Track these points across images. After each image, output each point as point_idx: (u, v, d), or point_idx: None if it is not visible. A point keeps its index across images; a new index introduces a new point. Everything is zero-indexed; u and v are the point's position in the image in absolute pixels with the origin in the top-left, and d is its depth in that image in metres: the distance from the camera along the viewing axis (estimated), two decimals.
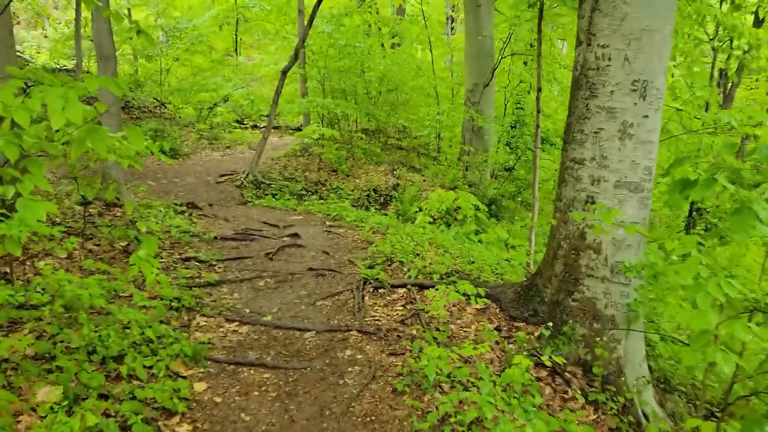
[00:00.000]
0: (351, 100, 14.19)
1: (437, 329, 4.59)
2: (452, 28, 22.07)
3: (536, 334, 4.69)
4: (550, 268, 4.92)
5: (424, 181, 11.81)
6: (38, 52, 18.90)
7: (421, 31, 16.06)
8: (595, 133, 4.53)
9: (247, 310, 4.79)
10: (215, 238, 6.61)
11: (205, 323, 4.50)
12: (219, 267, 5.79)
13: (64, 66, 15.29)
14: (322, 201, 10.07)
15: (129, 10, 18.00)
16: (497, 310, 5.15)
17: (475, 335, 4.60)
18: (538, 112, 7.33)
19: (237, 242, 6.61)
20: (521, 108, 16.31)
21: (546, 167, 12.85)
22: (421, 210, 10.03)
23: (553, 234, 4.95)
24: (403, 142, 13.53)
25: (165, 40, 16.77)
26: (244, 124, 16.22)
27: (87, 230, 5.92)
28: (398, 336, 4.45)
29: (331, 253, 6.34)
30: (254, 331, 4.42)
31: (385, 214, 9.29)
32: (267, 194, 10.11)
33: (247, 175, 10.37)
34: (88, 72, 15.00)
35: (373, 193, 10.95)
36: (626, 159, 4.45)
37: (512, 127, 15.11)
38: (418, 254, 6.30)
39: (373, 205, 10.81)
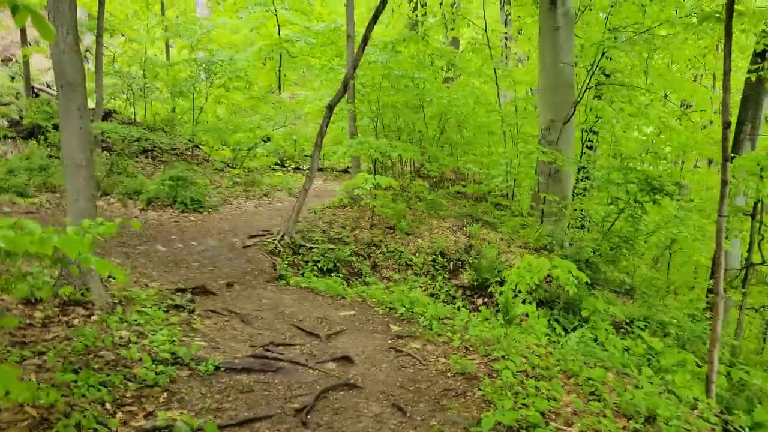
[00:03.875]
0: (406, 140, 11.41)
1: None
2: (506, 59, 19.17)
3: None
4: None
5: (502, 239, 8.85)
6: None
7: (484, 63, 13.24)
8: None
9: None
10: (217, 369, 3.79)
11: None
12: None
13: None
14: (377, 274, 7.23)
15: (167, 42, 15.76)
16: None
17: None
18: (726, 160, 4.33)
19: (251, 376, 3.78)
20: (590, 147, 13.37)
21: (649, 220, 9.75)
22: (503, 283, 7.10)
23: None
24: (468, 189, 10.64)
25: (205, 77, 14.40)
26: (285, 166, 13.59)
27: None
28: None
29: (408, 408, 3.43)
30: None
31: (476, 307, 6.35)
32: (307, 261, 7.31)
33: (283, 236, 7.61)
34: (112, 112, 12.63)
35: (440, 258, 8.04)
36: None
37: (580, 169, 12.13)
38: (554, 410, 3.37)
39: (440, 273, 7.90)
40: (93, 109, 11.28)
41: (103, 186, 8.93)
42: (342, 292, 5.71)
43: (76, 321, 4.19)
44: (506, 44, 18.68)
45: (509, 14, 18.39)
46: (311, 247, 7.59)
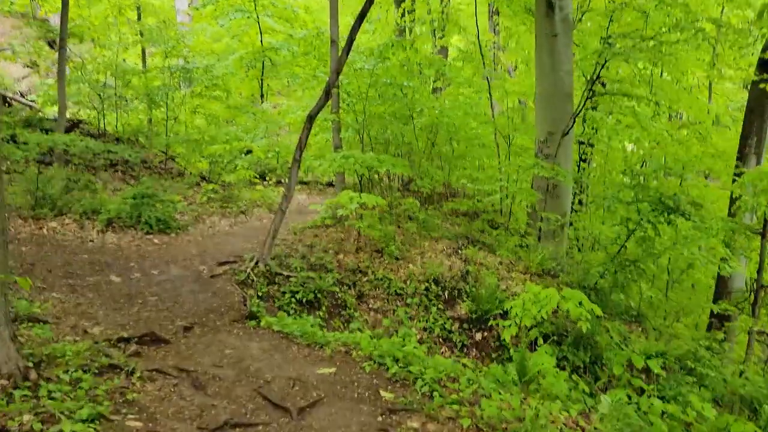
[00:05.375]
0: (395, 153, 10.42)
1: None
2: (497, 66, 18.24)
3: None
4: None
5: (501, 263, 7.86)
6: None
7: (475, 72, 12.31)
8: None
9: None
10: None
11: None
12: None
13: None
14: (363, 305, 6.21)
15: (143, 50, 14.59)
16: None
17: None
18: None
19: None
20: (584, 160, 12.52)
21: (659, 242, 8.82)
22: (505, 315, 6.10)
23: None
24: (463, 205, 9.66)
25: (184, 86, 13.27)
26: (266, 179, 12.51)
27: None
28: None
29: None
30: None
31: (475, 343, 5.34)
32: (284, 293, 6.25)
33: (257, 262, 6.54)
34: (79, 122, 11.49)
35: (434, 286, 7.02)
36: None
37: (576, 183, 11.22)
38: None
39: (434, 304, 6.89)
40: (56, 119, 10.18)
41: (58, 204, 7.81)
42: (321, 339, 4.64)
43: None
44: (495, 53, 17.81)
45: (498, 24, 17.53)
46: (289, 276, 6.53)
